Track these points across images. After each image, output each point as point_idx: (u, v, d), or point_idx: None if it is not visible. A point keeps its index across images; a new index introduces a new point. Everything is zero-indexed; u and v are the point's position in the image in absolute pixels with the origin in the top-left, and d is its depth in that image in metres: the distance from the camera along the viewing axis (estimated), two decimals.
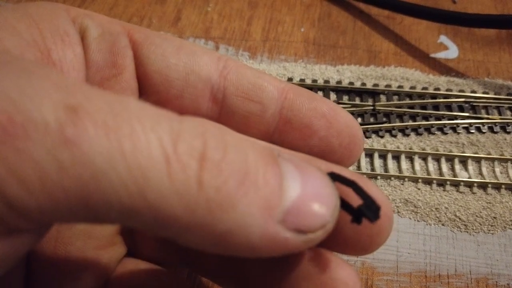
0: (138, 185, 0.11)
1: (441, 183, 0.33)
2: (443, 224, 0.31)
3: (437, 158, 0.34)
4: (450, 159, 0.34)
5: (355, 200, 0.14)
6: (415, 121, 0.36)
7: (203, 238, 0.12)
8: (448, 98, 0.37)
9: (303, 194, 0.13)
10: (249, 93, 0.19)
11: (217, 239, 0.12)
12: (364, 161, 0.34)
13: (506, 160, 0.34)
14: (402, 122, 0.36)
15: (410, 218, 0.31)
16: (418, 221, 0.31)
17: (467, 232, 0.31)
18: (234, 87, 0.19)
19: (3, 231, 0.11)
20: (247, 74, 0.19)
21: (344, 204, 0.14)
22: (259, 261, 0.17)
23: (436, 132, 0.35)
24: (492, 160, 0.34)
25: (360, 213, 0.14)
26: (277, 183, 0.12)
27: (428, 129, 0.36)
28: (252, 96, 0.19)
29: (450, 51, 0.42)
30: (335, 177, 0.15)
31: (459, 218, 0.31)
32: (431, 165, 0.34)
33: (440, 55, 0.41)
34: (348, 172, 0.16)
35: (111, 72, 0.19)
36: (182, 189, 0.11)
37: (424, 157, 0.34)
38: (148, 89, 0.19)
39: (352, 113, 0.36)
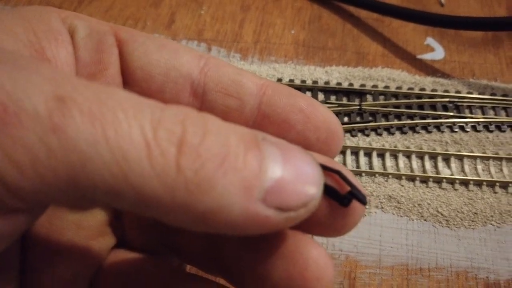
0: (120, 167, 0.12)
1: (424, 180, 0.34)
2: (425, 220, 0.32)
3: (420, 156, 0.35)
4: (433, 157, 0.35)
5: (340, 187, 0.15)
6: (400, 120, 0.37)
7: (185, 217, 0.13)
8: (433, 98, 0.38)
9: (284, 173, 0.14)
10: (228, 89, 0.20)
11: (199, 218, 0.13)
12: (349, 159, 0.35)
13: (488, 158, 0.35)
14: (388, 121, 0.37)
15: (394, 214, 0.32)
16: (401, 216, 0.32)
17: (449, 227, 0.32)
18: (214, 83, 0.20)
19: (1, 211, 0.12)
20: (227, 71, 0.20)
21: (329, 189, 0.15)
22: (238, 244, 0.18)
23: (420, 131, 0.37)
24: (475, 158, 0.35)
25: (351, 198, 0.15)
26: (257, 164, 0.13)
27: (412, 128, 0.37)
28: (231, 92, 0.20)
29: (436, 53, 0.43)
30: (321, 166, 0.16)
31: (441, 214, 0.32)
32: (415, 162, 0.35)
33: (427, 56, 0.42)
34: (332, 162, 0.17)
35: (97, 68, 0.20)
36: (162, 172, 0.12)
37: (408, 155, 0.35)
38: (132, 84, 0.20)
39: (339, 112, 0.37)
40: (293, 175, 0.14)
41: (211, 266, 0.20)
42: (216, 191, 0.12)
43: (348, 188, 0.15)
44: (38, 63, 0.13)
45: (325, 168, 0.16)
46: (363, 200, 0.15)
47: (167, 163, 0.12)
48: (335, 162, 0.17)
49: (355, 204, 0.15)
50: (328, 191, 0.15)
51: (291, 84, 0.39)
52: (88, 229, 0.21)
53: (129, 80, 0.20)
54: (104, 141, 0.12)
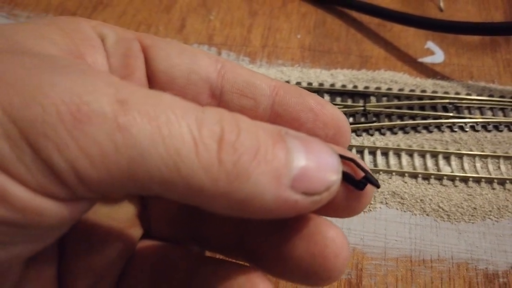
0: (174, 162, 0.14)
1: (426, 177, 0.35)
2: (427, 214, 0.34)
3: (422, 154, 0.37)
4: (434, 155, 0.37)
5: (355, 174, 0.17)
6: (402, 120, 0.39)
7: (226, 205, 0.15)
8: (434, 100, 0.40)
9: (307, 162, 0.15)
10: (243, 90, 0.21)
11: (237, 205, 0.15)
12: None
13: (486, 156, 0.37)
14: (391, 121, 0.39)
15: (397, 209, 0.34)
16: (404, 211, 0.34)
17: (450, 221, 0.34)
18: (230, 84, 0.22)
19: (71, 198, 0.14)
20: (242, 73, 0.22)
21: (346, 175, 0.17)
22: (263, 230, 0.20)
23: (422, 131, 0.38)
24: (474, 156, 0.37)
25: (365, 182, 0.17)
26: (284, 155, 0.15)
27: (414, 128, 0.38)
28: (246, 93, 0.21)
29: (436, 56, 0.45)
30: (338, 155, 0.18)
31: (442, 209, 0.34)
32: (417, 160, 0.36)
33: (427, 59, 0.44)
34: (347, 152, 0.19)
35: (125, 72, 0.21)
36: (207, 165, 0.14)
37: (410, 154, 0.37)
38: (156, 87, 0.22)
39: (344, 113, 0.39)
40: (315, 164, 0.16)
41: (235, 252, 0.22)
42: (252, 180, 0.14)
43: (362, 174, 0.17)
44: (95, 69, 0.15)
45: (342, 157, 0.17)
46: (376, 184, 0.17)
47: (211, 157, 0.14)
48: (349, 151, 0.19)
49: (368, 187, 0.17)
50: (345, 177, 0.17)
51: (298, 86, 0.40)
52: (119, 221, 0.22)
53: (154, 82, 0.22)
54: (161, 139, 0.13)
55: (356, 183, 0.17)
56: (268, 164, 0.15)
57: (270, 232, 0.19)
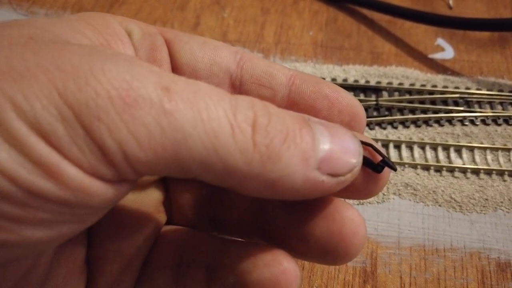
0: (213, 144, 0.14)
1: (438, 169, 0.36)
2: (440, 205, 0.35)
3: (434, 147, 0.38)
4: (446, 148, 0.38)
5: (373, 158, 0.18)
6: (414, 114, 0.40)
7: (258, 185, 0.16)
8: (444, 94, 0.41)
9: (332, 146, 0.16)
10: (261, 80, 0.22)
11: (270, 185, 0.16)
12: None
13: (497, 149, 0.38)
14: (403, 115, 0.40)
15: (410, 200, 0.35)
16: (417, 202, 0.35)
17: (462, 212, 0.34)
18: (249, 75, 0.22)
19: (117, 180, 0.15)
20: (259, 64, 0.22)
21: (366, 159, 0.18)
22: (285, 212, 0.20)
23: (433, 124, 0.39)
24: (484, 149, 0.38)
25: (383, 166, 0.18)
26: (311, 139, 0.16)
27: (426, 122, 0.39)
28: (264, 83, 0.22)
29: (446, 52, 0.45)
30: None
31: (454, 200, 0.35)
32: (429, 153, 0.37)
33: (437, 55, 0.45)
34: (365, 137, 0.20)
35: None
36: (243, 147, 0.15)
37: (422, 146, 0.38)
38: None
39: None
40: (339, 147, 0.17)
41: (254, 234, 0.23)
42: (283, 161, 0.15)
43: (380, 158, 0.18)
44: (138, 59, 0.15)
45: (361, 142, 0.18)
46: (393, 167, 0.18)
47: (246, 140, 0.15)
48: (366, 137, 0.20)
49: (385, 170, 0.18)
50: (365, 161, 0.18)
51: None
52: (146, 207, 0.23)
53: (179, 74, 0.23)
54: (201, 122, 0.14)
55: (375, 166, 0.18)
56: (297, 146, 0.16)
57: (289, 213, 0.20)
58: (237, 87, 0.23)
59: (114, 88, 0.14)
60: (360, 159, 0.17)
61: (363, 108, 0.22)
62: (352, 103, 0.22)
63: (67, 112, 0.13)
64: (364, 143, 0.18)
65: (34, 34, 0.15)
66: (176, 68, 0.23)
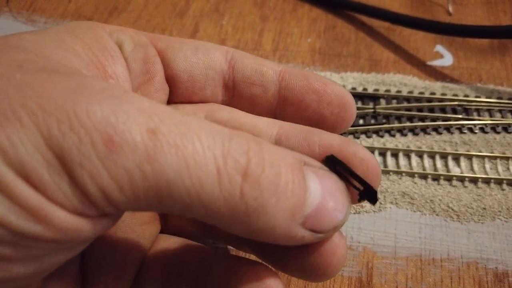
0: (196, 190, 0.14)
1: (436, 178, 0.36)
2: (437, 214, 0.34)
3: (432, 156, 0.37)
4: (444, 156, 0.37)
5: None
6: (412, 122, 0.39)
7: (240, 230, 0.15)
8: (443, 102, 0.41)
9: (322, 202, 0.16)
10: (252, 78, 0.22)
11: (250, 233, 0.15)
12: None
13: (495, 158, 0.37)
14: (400, 123, 0.39)
15: (407, 209, 0.35)
16: (414, 211, 0.35)
17: (459, 221, 0.34)
18: (241, 74, 0.22)
19: (97, 215, 0.15)
20: (249, 62, 0.22)
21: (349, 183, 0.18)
22: None
23: (431, 132, 0.39)
24: (483, 157, 0.37)
25: (361, 198, 0.18)
26: (302, 194, 0.16)
27: (424, 130, 0.39)
28: (255, 81, 0.22)
29: (445, 59, 0.45)
30: (335, 161, 0.19)
31: (452, 209, 0.35)
32: (427, 161, 0.37)
33: (436, 63, 0.45)
34: (338, 138, 0.19)
35: (145, 78, 0.22)
36: (228, 196, 0.14)
37: (420, 155, 0.38)
38: (179, 86, 0.23)
39: None
40: (328, 204, 0.16)
41: (245, 245, 0.23)
42: (268, 215, 0.15)
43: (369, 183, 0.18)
44: (128, 93, 0.15)
45: (339, 164, 0.18)
46: (371, 201, 0.18)
47: (233, 189, 0.14)
48: (352, 142, 0.20)
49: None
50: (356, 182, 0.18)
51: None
52: (140, 216, 0.23)
53: (176, 83, 0.23)
54: (186, 168, 0.14)
55: (362, 192, 0.18)
56: (286, 201, 0.15)
57: None
58: (231, 87, 0.23)
59: (98, 133, 0.14)
60: (347, 216, 0.17)
61: (352, 98, 0.22)
62: (341, 93, 0.22)
63: (51, 158, 0.14)
64: (344, 168, 0.18)
65: (23, 60, 0.15)
66: (173, 77, 0.23)
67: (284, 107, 0.23)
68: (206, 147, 0.14)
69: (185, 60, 0.23)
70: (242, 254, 0.28)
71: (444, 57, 0.45)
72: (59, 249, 0.15)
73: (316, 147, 0.20)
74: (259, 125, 0.22)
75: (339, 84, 0.21)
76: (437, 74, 0.44)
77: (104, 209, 0.15)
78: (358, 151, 0.19)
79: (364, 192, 0.18)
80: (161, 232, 0.25)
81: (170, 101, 0.24)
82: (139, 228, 0.23)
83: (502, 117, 0.40)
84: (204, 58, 0.22)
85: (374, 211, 0.35)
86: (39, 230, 0.14)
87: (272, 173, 0.15)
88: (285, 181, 0.15)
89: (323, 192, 0.16)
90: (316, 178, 0.16)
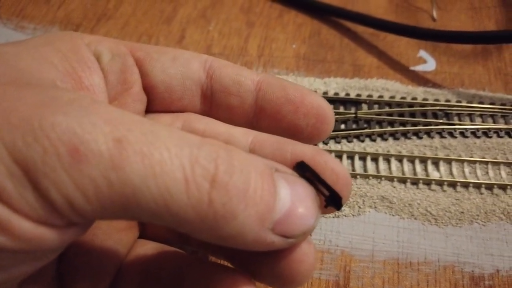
0: (163, 198, 0.14)
1: (415, 182, 0.36)
2: (415, 218, 0.35)
3: (412, 160, 0.38)
4: (423, 160, 0.38)
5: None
6: (393, 127, 0.40)
7: (209, 237, 0.16)
8: (424, 107, 0.41)
9: (291, 208, 0.16)
10: (230, 88, 0.22)
11: (220, 238, 0.16)
12: (345, 163, 0.38)
13: (474, 162, 0.38)
14: (381, 128, 0.40)
15: (386, 213, 0.35)
16: (393, 215, 0.35)
17: (437, 225, 0.35)
18: (218, 84, 0.22)
19: (64, 225, 0.15)
20: (227, 72, 0.22)
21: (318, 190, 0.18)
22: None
23: (412, 137, 0.39)
24: (462, 161, 0.38)
25: (327, 203, 0.18)
26: (271, 200, 0.16)
27: (404, 134, 0.39)
28: (232, 91, 0.22)
29: (428, 64, 0.46)
30: (305, 168, 0.19)
31: (430, 213, 0.35)
32: (406, 166, 0.37)
33: (419, 68, 0.45)
34: (311, 148, 0.20)
35: (123, 88, 0.23)
36: (196, 203, 0.15)
37: (400, 159, 0.38)
38: (157, 96, 0.23)
39: (336, 120, 0.40)
40: (297, 209, 0.17)
41: (219, 252, 0.23)
42: (237, 221, 0.15)
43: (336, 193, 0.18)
44: (96, 103, 0.15)
45: (309, 170, 0.18)
46: (335, 207, 0.18)
47: (201, 197, 0.15)
48: (324, 152, 0.20)
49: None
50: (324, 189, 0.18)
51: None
52: (120, 222, 0.23)
53: (154, 93, 0.23)
54: (152, 176, 0.14)
55: (328, 198, 0.18)
56: (255, 207, 0.15)
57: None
58: (209, 97, 0.23)
59: (62, 144, 0.14)
60: (316, 221, 0.17)
61: (331, 110, 0.22)
62: (318, 105, 0.22)
63: (16, 169, 0.14)
64: (314, 175, 0.18)
65: None
66: (150, 87, 0.23)
67: (261, 117, 0.23)
68: (173, 155, 0.15)
69: (162, 70, 0.23)
70: (221, 260, 0.28)
71: (427, 62, 0.46)
72: (26, 259, 0.16)
73: (288, 156, 0.20)
74: (235, 135, 0.22)
75: (319, 95, 0.21)
76: (420, 79, 0.44)
77: (71, 218, 0.15)
78: (330, 161, 0.19)
79: (330, 197, 0.19)
80: (140, 237, 0.25)
81: (148, 111, 0.24)
82: (116, 235, 0.23)
83: (483, 121, 0.41)
84: (181, 68, 0.22)
85: (353, 215, 0.35)
86: (4, 241, 0.14)
87: (241, 180, 0.15)
88: (254, 187, 0.15)
89: (292, 197, 0.16)
90: (286, 184, 0.17)
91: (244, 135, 0.22)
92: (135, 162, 0.14)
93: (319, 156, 0.20)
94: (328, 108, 0.22)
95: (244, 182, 0.15)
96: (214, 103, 0.23)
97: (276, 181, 0.16)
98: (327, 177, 0.19)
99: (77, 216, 0.15)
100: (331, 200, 0.19)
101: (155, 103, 0.24)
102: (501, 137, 0.39)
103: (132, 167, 0.14)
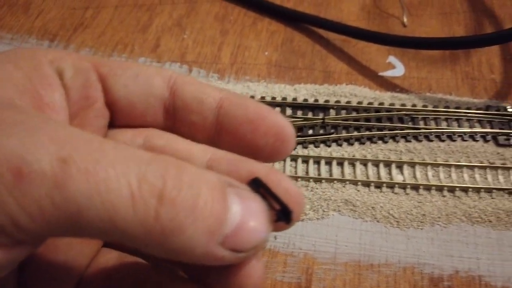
0: (109, 216, 0.15)
1: (378, 185, 0.37)
2: (378, 221, 0.36)
3: (376, 164, 0.39)
4: (388, 164, 0.39)
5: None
6: (359, 132, 0.41)
7: (160, 251, 0.16)
8: (391, 112, 0.42)
9: (242, 222, 0.16)
10: (191, 106, 0.23)
11: (170, 253, 0.16)
12: (312, 167, 0.38)
13: (438, 165, 0.39)
14: (348, 133, 0.41)
15: (349, 216, 0.36)
16: (356, 218, 0.36)
17: (399, 227, 0.35)
18: (180, 101, 0.23)
19: (11, 243, 0.15)
20: (190, 89, 0.23)
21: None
22: None
23: (377, 141, 0.40)
24: (426, 165, 0.39)
25: (278, 217, 0.19)
26: (221, 215, 0.16)
27: (370, 139, 0.40)
28: (194, 109, 0.23)
29: (396, 70, 0.47)
30: (259, 184, 0.20)
31: (393, 216, 0.36)
32: (371, 170, 0.38)
33: (387, 73, 0.46)
34: (266, 168, 0.20)
35: (86, 103, 0.23)
36: (143, 219, 0.15)
37: (365, 163, 0.39)
38: (119, 112, 0.24)
39: (304, 126, 0.41)
40: (248, 223, 0.17)
41: (178, 265, 0.24)
42: (185, 235, 0.15)
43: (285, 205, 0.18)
44: (43, 122, 0.16)
45: (263, 186, 0.19)
46: (285, 221, 0.18)
47: (148, 213, 0.15)
48: (278, 172, 0.20)
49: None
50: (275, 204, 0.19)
51: (262, 100, 0.43)
52: None
53: (116, 109, 0.24)
54: (97, 195, 0.14)
55: (278, 212, 0.19)
56: (204, 221, 0.16)
57: None
58: (172, 113, 0.24)
59: (6, 165, 0.14)
60: (267, 236, 0.17)
61: (291, 129, 0.22)
62: (277, 124, 0.22)
63: None
64: (267, 190, 0.19)
65: None
66: (113, 103, 0.23)
67: (222, 134, 0.23)
68: (120, 172, 0.15)
69: (125, 86, 0.23)
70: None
71: (396, 67, 0.47)
72: None
73: (244, 173, 0.21)
74: (193, 151, 0.22)
75: (280, 114, 0.22)
76: (388, 85, 0.45)
77: (17, 237, 0.15)
78: (283, 180, 0.20)
79: (281, 212, 0.19)
80: (106, 246, 0.25)
81: (111, 126, 0.24)
82: (78, 245, 0.23)
83: (448, 125, 0.42)
84: (144, 84, 0.23)
85: (317, 219, 0.36)
86: None
87: (189, 195, 0.16)
88: (204, 202, 0.16)
89: (244, 212, 0.17)
90: (238, 199, 0.17)
91: (203, 152, 0.22)
92: (79, 180, 0.14)
93: (273, 174, 0.20)
94: (289, 129, 0.22)
95: (193, 197, 0.16)
96: (177, 119, 0.24)
97: (228, 196, 0.17)
98: (280, 194, 0.19)
99: (23, 235, 0.15)
100: (282, 214, 0.19)
101: (118, 119, 0.24)
102: (465, 140, 0.40)
103: (76, 186, 0.14)
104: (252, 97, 0.43)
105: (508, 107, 0.43)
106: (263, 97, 0.43)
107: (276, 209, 0.19)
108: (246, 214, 0.17)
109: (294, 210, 0.19)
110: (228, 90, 0.24)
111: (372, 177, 0.38)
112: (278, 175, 0.20)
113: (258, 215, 0.17)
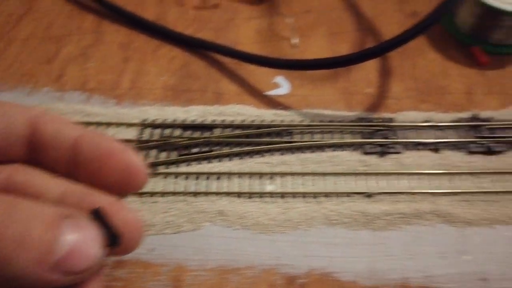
0: None
1: (250, 196, 0.41)
2: (248, 229, 0.40)
3: (250, 176, 0.43)
4: (261, 176, 0.43)
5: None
6: (241, 147, 0.45)
7: None
8: (270, 128, 0.47)
9: (73, 249, 0.19)
10: (51, 143, 0.25)
11: (5, 282, 0.18)
12: (192, 183, 0.42)
13: (307, 174, 0.43)
14: (231, 149, 0.45)
15: (221, 225, 0.40)
16: (227, 227, 0.40)
17: (265, 233, 0.39)
18: (40, 138, 0.25)
19: None
20: (52, 128, 0.25)
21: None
22: None
23: (255, 156, 0.44)
24: (296, 174, 0.43)
25: (109, 242, 0.22)
26: (50, 243, 0.18)
27: (248, 153, 0.45)
28: (54, 146, 0.25)
29: (282, 89, 0.51)
30: (98, 214, 0.23)
31: (262, 223, 0.40)
32: (246, 181, 0.42)
33: (272, 92, 0.51)
34: (109, 200, 0.23)
35: None
36: None
37: (240, 176, 0.43)
38: None
39: (190, 145, 0.45)
40: (79, 249, 0.19)
41: None
42: (14, 265, 0.18)
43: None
44: None
45: (101, 217, 0.22)
46: (113, 245, 0.22)
47: None
48: (122, 205, 0.23)
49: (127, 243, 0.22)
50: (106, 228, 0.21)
51: (154, 123, 0.46)
52: None
53: None
54: None
55: (110, 237, 0.21)
56: (31, 251, 0.18)
57: None
58: (34, 150, 0.25)
59: None
60: (98, 260, 0.20)
61: (142, 166, 0.24)
62: (126, 161, 0.24)
63: None
64: (103, 222, 0.22)
65: None
66: None
67: (79, 169, 0.25)
68: None
69: None
70: None
71: (281, 86, 0.52)
72: None
73: (89, 205, 0.23)
74: (50, 186, 0.24)
75: (132, 152, 0.24)
76: (273, 103, 0.50)
77: None
78: (122, 210, 0.23)
79: (111, 237, 0.22)
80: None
81: None
82: None
83: (322, 138, 0.46)
84: (5, 123, 0.24)
85: (192, 230, 0.40)
86: None
87: (18, 229, 0.18)
88: (34, 233, 0.18)
89: (78, 239, 0.19)
90: (74, 228, 0.20)
91: (58, 186, 0.25)
92: None
93: (115, 206, 0.23)
94: (137, 165, 0.24)
95: (22, 230, 0.18)
96: (40, 155, 0.26)
97: (62, 226, 0.19)
98: (119, 223, 0.22)
99: None
100: (112, 239, 0.22)
101: None
102: (335, 150, 0.45)
103: None
104: (145, 120, 0.47)
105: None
106: (154, 120, 0.47)
107: (108, 235, 0.23)
108: (80, 241, 0.19)
109: (131, 235, 0.22)
110: (87, 129, 0.26)
111: (247, 188, 0.42)
112: (119, 206, 0.23)
113: (91, 241, 0.20)
